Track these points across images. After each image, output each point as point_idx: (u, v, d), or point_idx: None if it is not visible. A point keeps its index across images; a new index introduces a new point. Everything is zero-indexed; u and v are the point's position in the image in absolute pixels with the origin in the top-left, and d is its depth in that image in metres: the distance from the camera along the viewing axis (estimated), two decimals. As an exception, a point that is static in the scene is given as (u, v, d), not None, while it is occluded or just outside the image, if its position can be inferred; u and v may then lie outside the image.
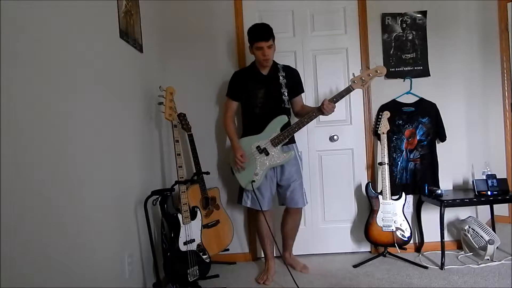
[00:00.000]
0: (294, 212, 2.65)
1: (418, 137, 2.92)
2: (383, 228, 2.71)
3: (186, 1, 2.91)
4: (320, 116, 2.47)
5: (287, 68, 2.62)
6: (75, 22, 1.58)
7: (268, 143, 2.45)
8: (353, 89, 2.42)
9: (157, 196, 2.16)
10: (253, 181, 2.44)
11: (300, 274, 2.61)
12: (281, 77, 2.54)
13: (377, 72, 2.42)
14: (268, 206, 2.55)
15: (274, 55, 2.51)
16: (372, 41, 2.94)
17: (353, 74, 2.44)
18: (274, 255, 2.73)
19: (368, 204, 2.85)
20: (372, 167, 2.98)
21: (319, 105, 2.41)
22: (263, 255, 2.74)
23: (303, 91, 2.70)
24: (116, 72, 1.97)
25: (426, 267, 2.61)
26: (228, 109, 2.63)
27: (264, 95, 2.52)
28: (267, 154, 2.45)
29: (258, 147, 2.46)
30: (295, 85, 2.62)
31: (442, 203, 2.60)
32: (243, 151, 2.46)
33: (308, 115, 2.43)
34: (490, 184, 2.66)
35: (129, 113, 2.13)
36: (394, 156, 2.92)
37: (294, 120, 2.56)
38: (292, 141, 2.59)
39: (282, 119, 2.47)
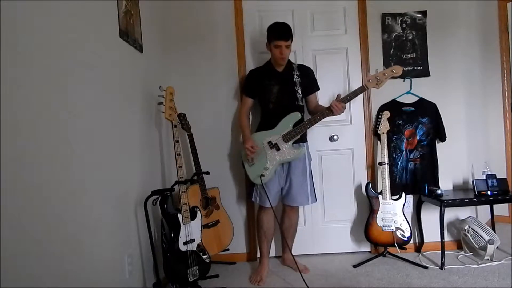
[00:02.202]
0: (289, 210, 2.67)
1: (418, 137, 2.92)
2: (383, 228, 2.71)
3: (186, 1, 2.91)
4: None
5: (301, 67, 2.67)
6: (75, 22, 1.58)
7: (279, 138, 2.47)
8: (368, 89, 2.45)
9: (157, 196, 2.16)
10: (262, 175, 2.46)
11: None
12: (295, 76, 2.59)
13: (393, 71, 2.43)
14: (275, 203, 2.56)
15: (289, 54, 2.58)
16: (372, 41, 2.94)
17: (370, 72, 2.50)
18: (275, 255, 2.73)
19: (368, 204, 2.85)
20: (372, 167, 2.98)
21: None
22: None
23: (318, 89, 2.73)
24: (116, 72, 1.97)
25: (426, 267, 2.61)
26: (243, 106, 2.72)
27: (278, 92, 2.57)
28: (278, 149, 2.47)
29: (269, 142, 2.49)
30: (310, 83, 2.66)
31: (442, 203, 2.60)
32: (253, 142, 2.49)
33: (320, 112, 2.45)
34: (490, 184, 2.66)
35: (129, 113, 2.12)
36: (394, 156, 2.92)
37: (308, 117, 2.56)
38: (304, 140, 2.62)
39: (295, 116, 2.49)
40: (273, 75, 2.60)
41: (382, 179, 2.74)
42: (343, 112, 2.41)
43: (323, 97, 2.90)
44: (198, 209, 2.36)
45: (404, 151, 2.93)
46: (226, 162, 2.96)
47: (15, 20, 1.19)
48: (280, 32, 2.48)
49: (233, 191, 2.98)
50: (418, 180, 2.89)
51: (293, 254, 2.79)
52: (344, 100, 2.39)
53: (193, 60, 2.93)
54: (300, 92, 2.58)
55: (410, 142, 2.93)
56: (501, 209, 3.38)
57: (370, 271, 2.61)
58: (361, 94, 2.88)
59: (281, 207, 2.72)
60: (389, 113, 2.82)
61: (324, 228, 3.00)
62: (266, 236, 2.63)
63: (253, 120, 2.88)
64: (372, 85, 2.43)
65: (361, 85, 2.45)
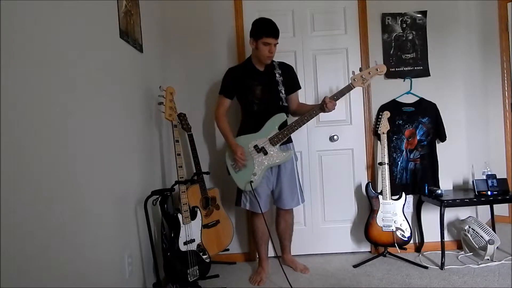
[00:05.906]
0: (283, 213, 2.64)
1: (418, 137, 2.92)
2: (383, 228, 2.71)
3: (186, 1, 2.91)
4: (320, 115, 2.46)
5: (282, 65, 2.58)
6: (75, 22, 1.57)
7: (266, 142, 2.40)
8: (354, 87, 2.42)
9: (157, 196, 2.16)
10: (252, 181, 2.39)
11: (300, 274, 2.61)
12: (277, 75, 2.50)
13: (377, 70, 2.43)
14: (266, 207, 2.52)
15: None
16: (372, 41, 2.94)
17: (353, 72, 2.45)
18: (274, 255, 2.72)
19: (368, 204, 2.84)
20: (372, 167, 2.98)
21: (320, 102, 2.39)
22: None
23: (299, 88, 2.66)
24: (116, 72, 1.97)
25: (426, 267, 2.61)
26: (220, 106, 2.55)
27: (262, 92, 2.47)
28: (266, 153, 2.40)
29: (255, 146, 2.41)
30: (291, 82, 2.58)
31: (442, 203, 2.60)
32: (242, 149, 2.41)
33: (308, 113, 2.39)
34: (490, 184, 2.66)
35: (129, 113, 2.12)
36: (394, 156, 2.92)
37: (291, 119, 2.52)
38: (289, 140, 2.53)
39: (280, 117, 2.43)
40: (255, 75, 2.48)
41: (382, 179, 2.74)
42: (334, 109, 2.37)
43: (323, 97, 2.89)
44: (198, 209, 2.36)
45: (404, 151, 2.93)
46: (223, 161, 2.95)
47: (15, 20, 1.19)
48: (271, 29, 2.34)
49: (233, 191, 2.96)
50: (418, 180, 2.89)
51: (293, 254, 2.81)
52: (332, 98, 2.36)
53: (193, 60, 2.93)
54: (283, 91, 2.48)
55: (410, 142, 2.93)
56: (501, 209, 3.37)
57: (370, 271, 2.61)
58: (361, 94, 2.92)
59: (275, 208, 2.70)
60: (389, 113, 2.82)
61: (324, 228, 2.99)
62: (263, 240, 2.59)
63: (232, 122, 2.75)
64: (358, 84, 2.42)
65: (347, 84, 2.43)
